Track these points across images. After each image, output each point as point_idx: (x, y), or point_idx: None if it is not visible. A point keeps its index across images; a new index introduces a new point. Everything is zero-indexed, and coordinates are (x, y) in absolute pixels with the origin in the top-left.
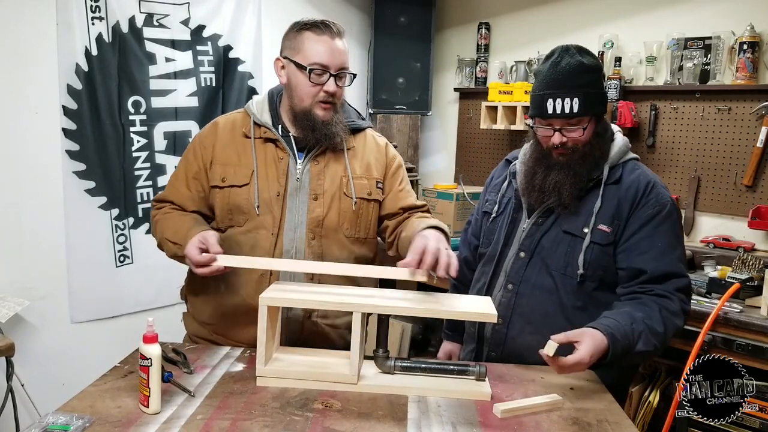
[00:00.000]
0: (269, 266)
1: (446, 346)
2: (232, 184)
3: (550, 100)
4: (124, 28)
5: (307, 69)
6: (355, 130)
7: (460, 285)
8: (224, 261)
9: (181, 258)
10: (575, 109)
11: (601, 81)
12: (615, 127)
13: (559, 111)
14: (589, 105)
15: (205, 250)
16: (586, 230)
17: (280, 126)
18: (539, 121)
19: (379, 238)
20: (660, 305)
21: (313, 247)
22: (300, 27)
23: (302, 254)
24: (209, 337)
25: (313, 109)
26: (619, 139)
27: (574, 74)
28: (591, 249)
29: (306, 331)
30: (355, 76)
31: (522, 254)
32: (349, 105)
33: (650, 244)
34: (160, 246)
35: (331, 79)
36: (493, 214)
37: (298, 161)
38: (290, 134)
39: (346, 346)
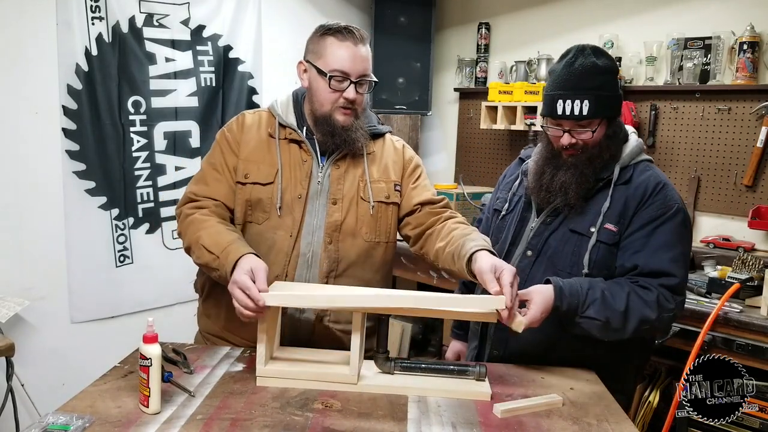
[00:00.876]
0: (325, 305)
1: (455, 345)
2: (255, 181)
3: (560, 101)
4: (124, 28)
5: (327, 75)
6: (376, 135)
7: (469, 282)
8: (272, 301)
9: (211, 269)
10: (585, 112)
11: (616, 83)
12: (629, 128)
13: (568, 112)
14: (600, 108)
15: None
16: (593, 229)
17: (305, 128)
18: (550, 121)
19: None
20: (632, 289)
21: (329, 251)
22: (323, 32)
23: (318, 258)
24: (220, 334)
25: (333, 114)
26: (633, 140)
27: (587, 76)
28: (597, 248)
29: (317, 334)
30: (376, 83)
31: (529, 253)
32: (371, 110)
33: (644, 243)
34: (189, 249)
35: (351, 86)
36: (503, 212)
37: (321, 164)
38: (314, 137)
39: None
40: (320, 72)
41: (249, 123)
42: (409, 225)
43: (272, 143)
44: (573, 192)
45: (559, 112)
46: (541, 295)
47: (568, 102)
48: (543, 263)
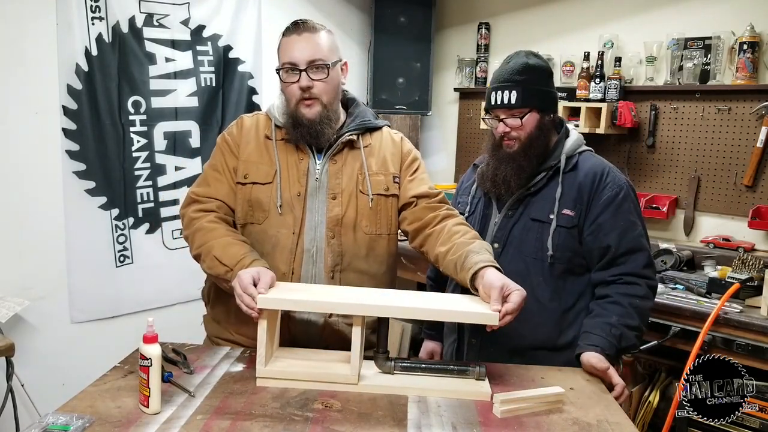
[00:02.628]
0: (319, 309)
1: (428, 345)
2: (254, 181)
3: (494, 93)
4: (124, 28)
5: (278, 71)
6: (372, 129)
7: (435, 284)
8: (264, 303)
9: (223, 280)
10: (513, 101)
11: (547, 81)
12: (571, 126)
13: (500, 101)
14: (528, 98)
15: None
16: (551, 216)
17: None
18: (490, 114)
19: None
20: (630, 300)
21: (332, 245)
22: (281, 35)
23: (322, 253)
24: (231, 337)
25: (298, 108)
26: (574, 134)
27: (517, 71)
28: (558, 232)
29: (327, 333)
30: (329, 66)
31: (496, 245)
32: (365, 105)
33: (613, 224)
34: (198, 257)
35: (302, 74)
36: (466, 214)
37: (317, 161)
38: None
39: (369, 347)
40: (277, 71)
41: (248, 125)
42: (406, 220)
43: (269, 144)
44: (514, 183)
45: (493, 102)
46: (605, 364)
47: (499, 93)
48: (510, 252)
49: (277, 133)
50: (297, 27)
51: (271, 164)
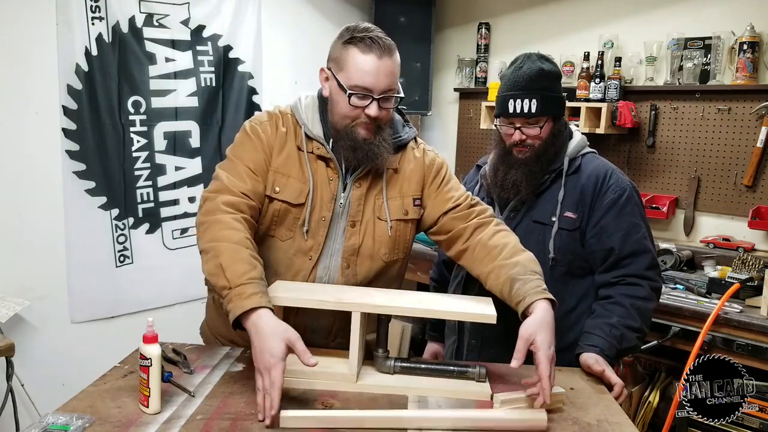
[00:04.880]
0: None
1: (431, 347)
2: (285, 200)
3: (512, 101)
4: (124, 28)
5: (348, 92)
6: (398, 147)
7: (439, 285)
8: (287, 424)
9: (217, 294)
10: (533, 110)
11: (559, 86)
12: (573, 127)
13: (519, 110)
14: (546, 106)
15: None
16: (553, 218)
17: (330, 140)
18: (502, 120)
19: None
20: (632, 300)
21: (347, 275)
22: (347, 39)
23: (334, 281)
24: (232, 337)
25: (355, 128)
26: (577, 136)
27: (534, 78)
28: (560, 235)
29: (336, 327)
30: (402, 98)
31: None
32: (397, 113)
33: (616, 226)
34: (204, 252)
35: (374, 103)
36: None
37: (345, 183)
38: (340, 151)
39: (368, 353)
40: (341, 86)
41: (282, 130)
42: (438, 234)
43: (302, 157)
44: (524, 189)
45: (511, 110)
46: (601, 363)
47: (518, 101)
48: None
49: (307, 145)
50: (377, 46)
51: (304, 181)
